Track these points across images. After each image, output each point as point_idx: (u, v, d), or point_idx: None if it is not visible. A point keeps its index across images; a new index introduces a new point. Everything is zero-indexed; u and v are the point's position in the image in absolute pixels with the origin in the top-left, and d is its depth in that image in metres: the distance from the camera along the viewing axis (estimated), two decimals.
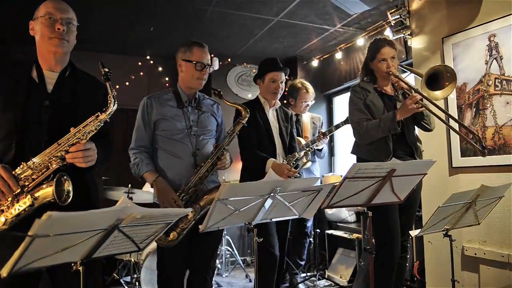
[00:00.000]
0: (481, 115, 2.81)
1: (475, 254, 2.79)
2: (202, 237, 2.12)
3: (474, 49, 2.85)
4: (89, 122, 1.63)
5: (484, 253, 2.73)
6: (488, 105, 2.77)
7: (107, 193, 3.60)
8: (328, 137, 3.85)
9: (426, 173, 2.01)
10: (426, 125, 2.54)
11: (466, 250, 2.85)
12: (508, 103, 2.65)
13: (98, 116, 1.64)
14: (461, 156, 2.92)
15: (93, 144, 1.64)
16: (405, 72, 2.91)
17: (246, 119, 2.33)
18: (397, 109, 2.44)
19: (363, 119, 2.49)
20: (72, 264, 1.24)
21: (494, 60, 2.74)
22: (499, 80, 2.70)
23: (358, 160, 2.63)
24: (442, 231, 2.13)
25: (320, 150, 3.94)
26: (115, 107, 1.67)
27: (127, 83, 5.05)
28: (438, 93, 2.36)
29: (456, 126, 2.73)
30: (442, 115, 2.46)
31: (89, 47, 4.46)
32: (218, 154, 2.23)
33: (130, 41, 4.77)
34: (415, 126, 2.61)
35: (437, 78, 2.37)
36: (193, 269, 2.28)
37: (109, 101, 1.66)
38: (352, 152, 2.68)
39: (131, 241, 1.33)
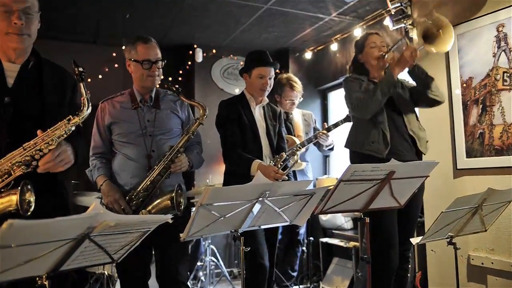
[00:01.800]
0: (488, 112, 2.85)
1: (482, 263, 2.83)
2: (166, 240, 2.19)
3: (481, 41, 2.89)
4: (60, 126, 1.61)
5: (492, 263, 2.77)
6: (496, 102, 2.81)
7: (77, 199, 3.58)
8: (329, 134, 3.81)
9: (428, 176, 2.03)
10: (435, 97, 2.59)
11: (473, 259, 2.89)
12: None
13: (70, 119, 1.63)
14: (467, 157, 2.96)
15: (64, 146, 1.63)
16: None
17: (205, 118, 2.37)
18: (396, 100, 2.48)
19: (360, 94, 2.54)
20: (37, 279, 1.23)
21: (503, 52, 2.78)
22: (508, 75, 2.75)
23: (352, 154, 2.66)
24: (446, 238, 2.15)
25: (332, 148, 3.94)
26: (89, 111, 1.66)
27: (100, 76, 5.00)
28: (441, 46, 2.49)
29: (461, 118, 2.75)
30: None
31: (56, 36, 4.41)
32: (172, 157, 2.27)
33: (103, 30, 4.73)
34: (418, 109, 2.67)
35: (432, 34, 2.48)
36: (161, 277, 2.35)
37: (83, 104, 1.64)
38: (346, 146, 2.70)
39: (103, 251, 1.32)
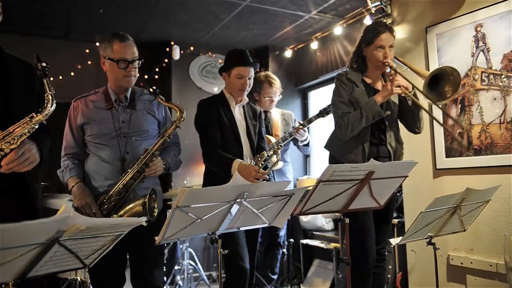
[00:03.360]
0: (467, 112, 2.92)
1: (462, 263, 2.89)
2: (141, 243, 2.19)
3: (460, 40, 2.96)
4: (22, 124, 1.58)
5: (471, 262, 2.84)
6: (474, 101, 2.88)
7: (47, 201, 3.51)
8: (306, 128, 3.84)
9: (407, 176, 2.07)
10: (416, 129, 2.65)
11: (452, 259, 2.95)
12: (495, 99, 2.76)
13: (32, 117, 1.59)
14: (446, 157, 3.03)
15: (27, 145, 1.59)
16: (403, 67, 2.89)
17: (182, 120, 2.37)
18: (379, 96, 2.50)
19: (348, 112, 2.54)
20: (3, 286, 1.20)
21: (481, 52, 2.85)
22: (486, 74, 2.82)
23: (331, 158, 2.69)
24: (425, 238, 2.19)
25: (307, 144, 3.97)
26: (53, 108, 1.63)
27: (72, 73, 4.92)
28: (433, 98, 2.46)
29: (440, 118, 2.82)
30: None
31: (23, 31, 4.32)
32: (146, 160, 2.26)
33: (75, 24, 4.65)
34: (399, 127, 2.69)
35: (438, 80, 2.44)
36: (135, 282, 2.33)
37: (47, 101, 1.61)
38: (325, 147, 2.73)
39: (74, 256, 1.30)
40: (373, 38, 2.53)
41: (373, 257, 2.48)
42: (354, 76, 2.61)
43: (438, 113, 3.06)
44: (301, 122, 3.83)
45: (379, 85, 2.66)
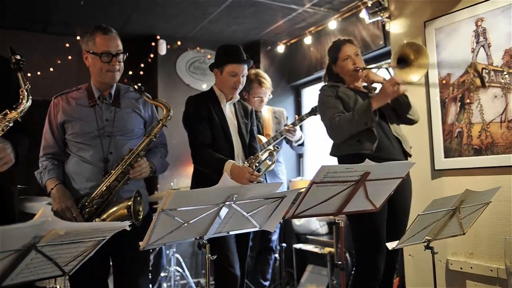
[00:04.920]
0: (467, 110, 2.94)
1: (461, 268, 2.92)
2: (125, 249, 2.17)
3: (459, 35, 2.98)
4: None
5: (471, 267, 2.86)
6: (474, 99, 2.90)
7: (25, 205, 3.48)
8: (296, 128, 3.84)
9: (404, 177, 2.08)
10: (411, 117, 2.67)
11: (451, 264, 2.97)
12: (496, 96, 2.79)
13: (6, 114, 1.58)
14: (445, 157, 3.05)
15: (1, 144, 1.58)
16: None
17: (169, 119, 2.35)
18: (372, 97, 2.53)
19: (335, 114, 2.55)
20: None
21: (482, 47, 2.87)
22: (487, 71, 2.84)
23: (340, 158, 2.69)
24: (423, 242, 2.20)
25: (302, 144, 3.98)
26: (28, 104, 1.61)
27: (51, 69, 4.88)
28: (413, 76, 2.56)
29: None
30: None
31: None
32: (131, 161, 2.24)
33: (54, 17, 4.61)
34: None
35: (407, 60, 2.56)
36: None
37: (21, 97, 1.60)
38: (331, 154, 2.73)
39: (53, 263, 1.29)
40: (337, 53, 2.72)
41: (382, 266, 2.48)
42: (335, 84, 2.72)
43: (436, 111, 3.08)
44: (289, 125, 3.85)
45: (359, 85, 2.76)
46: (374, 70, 2.74)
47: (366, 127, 2.49)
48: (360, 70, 2.67)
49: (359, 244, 2.56)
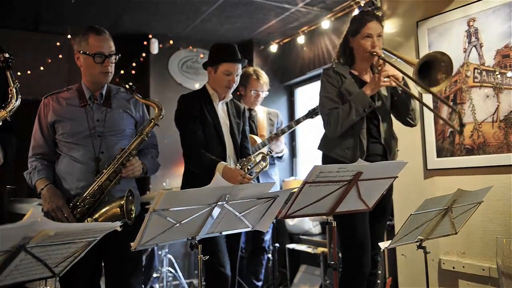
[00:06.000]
0: (459, 110, 2.95)
1: (454, 267, 2.93)
2: (116, 250, 2.16)
3: (452, 35, 3.00)
4: None
5: (463, 267, 2.88)
6: (466, 99, 2.92)
7: (15, 206, 3.46)
8: (280, 138, 3.85)
9: (397, 177, 2.09)
10: (411, 121, 2.66)
11: (444, 263, 2.99)
12: (488, 96, 2.80)
13: None
14: (437, 157, 3.06)
15: None
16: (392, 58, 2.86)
17: (160, 118, 2.36)
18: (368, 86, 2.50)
19: (335, 108, 2.53)
20: None
21: (474, 48, 2.89)
22: (479, 71, 2.86)
23: (325, 157, 2.67)
24: (416, 242, 2.21)
25: (280, 157, 3.98)
26: (17, 103, 1.61)
27: (41, 68, 4.85)
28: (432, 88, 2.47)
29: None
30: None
31: None
32: (123, 160, 2.24)
33: (45, 16, 4.59)
34: (393, 121, 2.70)
35: (430, 68, 2.46)
36: None
37: (10, 95, 1.59)
38: (319, 148, 2.71)
39: (42, 264, 1.29)
40: (360, 27, 2.53)
41: (368, 263, 2.50)
42: (341, 69, 2.61)
43: (429, 111, 3.09)
44: (277, 131, 3.87)
45: (367, 78, 2.66)
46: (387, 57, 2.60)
47: (364, 114, 2.47)
48: (376, 57, 2.52)
49: (343, 241, 2.57)
